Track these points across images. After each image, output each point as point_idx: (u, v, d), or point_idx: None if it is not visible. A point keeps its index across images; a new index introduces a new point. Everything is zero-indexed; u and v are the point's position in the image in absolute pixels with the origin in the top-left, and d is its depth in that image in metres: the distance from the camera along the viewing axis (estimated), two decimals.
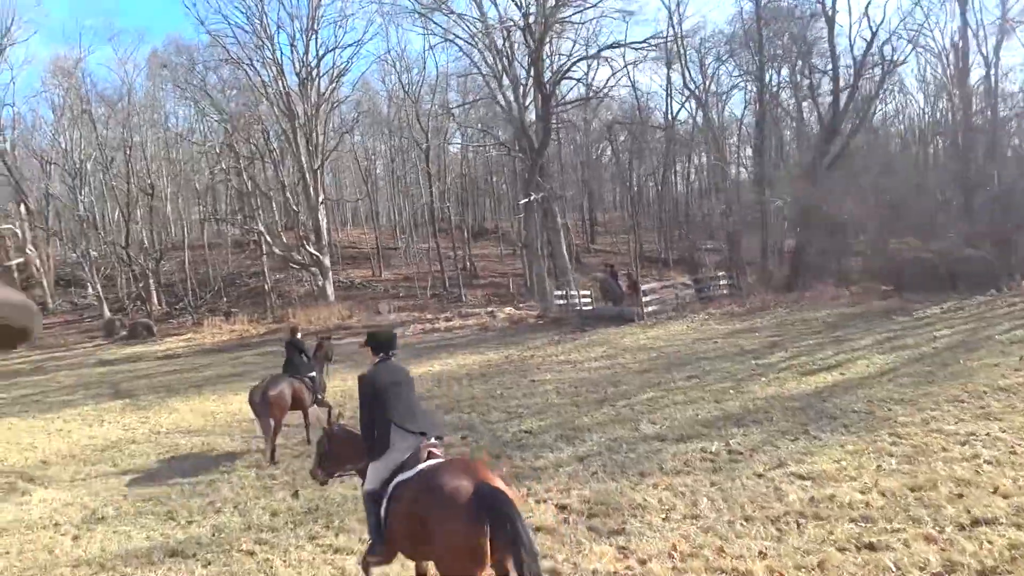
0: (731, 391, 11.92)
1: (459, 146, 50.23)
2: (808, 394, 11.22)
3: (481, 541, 3.81)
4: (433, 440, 4.74)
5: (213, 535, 7.24)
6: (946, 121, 40.50)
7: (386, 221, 58.22)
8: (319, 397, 11.57)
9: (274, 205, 34.95)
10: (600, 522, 6.58)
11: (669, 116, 45.35)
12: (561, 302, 25.22)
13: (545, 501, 7.34)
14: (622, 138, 50.05)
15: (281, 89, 31.14)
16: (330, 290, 33.23)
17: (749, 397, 11.39)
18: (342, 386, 14.39)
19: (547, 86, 28.60)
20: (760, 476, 7.50)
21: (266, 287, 38.67)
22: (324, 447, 5.42)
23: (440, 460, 4.52)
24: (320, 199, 32.67)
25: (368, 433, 4.72)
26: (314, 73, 32.13)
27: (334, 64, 33.42)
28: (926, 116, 47.83)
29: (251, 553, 6.62)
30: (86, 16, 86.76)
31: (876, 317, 18.81)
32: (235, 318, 31.99)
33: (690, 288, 25.68)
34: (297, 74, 31.94)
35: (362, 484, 4.92)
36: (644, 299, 22.60)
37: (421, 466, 4.39)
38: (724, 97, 46.52)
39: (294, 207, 32.86)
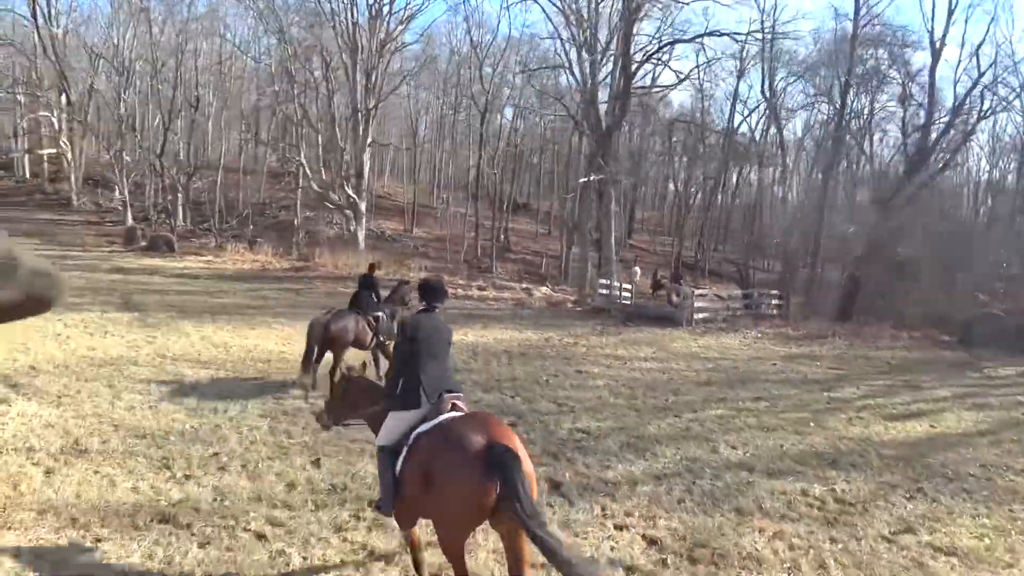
0: (811, 424, 10.47)
1: (510, 118, 48.44)
2: (902, 443, 9.82)
3: (486, 498, 3.69)
4: (457, 393, 4.58)
5: (215, 501, 5.88)
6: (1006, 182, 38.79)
7: (425, 178, 56.63)
8: (382, 340, 10.75)
9: (319, 139, 33.24)
10: (708, 572, 5.18)
11: (732, 124, 43.55)
12: (604, 292, 23.60)
13: (627, 528, 5.96)
14: (674, 138, 48.21)
15: (350, 20, 29.48)
16: (361, 236, 31.80)
17: (834, 434, 9.95)
18: None
19: (633, 64, 26.78)
20: (889, 541, 6.16)
21: (295, 222, 37.30)
22: (341, 391, 5.30)
23: (460, 413, 4.36)
24: (368, 140, 31.11)
25: (394, 381, 4.56)
26: (385, 10, 30.42)
27: (407, 4, 31.73)
28: (985, 173, 45.94)
29: (261, 536, 5.25)
30: None
31: (944, 367, 17.27)
32: (259, 248, 30.65)
33: (739, 302, 24.04)
34: (369, 7, 30.25)
35: (375, 438, 4.67)
36: (695, 306, 21.10)
37: (441, 418, 4.23)
38: (790, 115, 44.38)
39: (341, 144, 31.23)
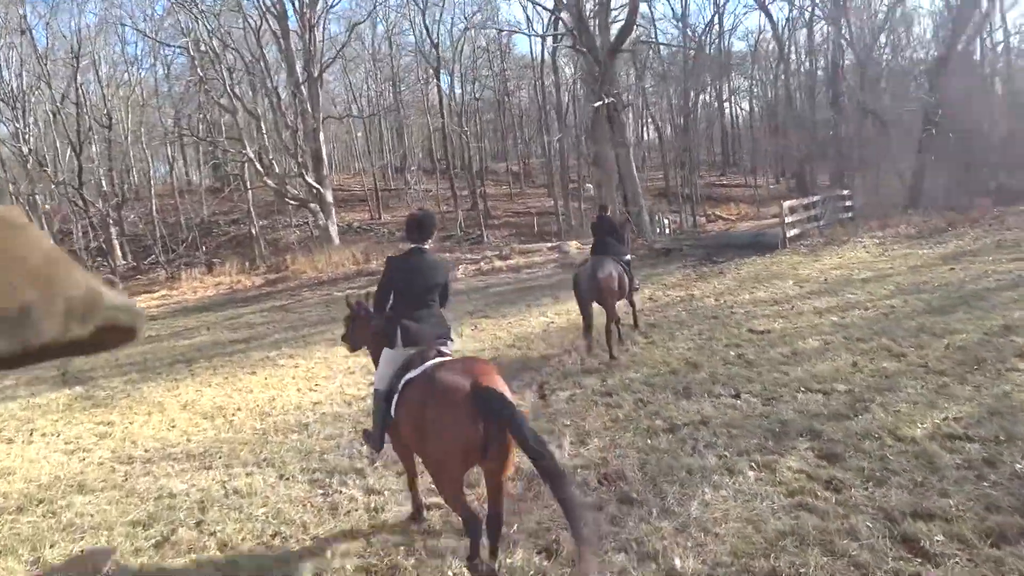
0: None
1: (458, 78, 43.22)
2: None
3: (472, 439, 3.62)
4: (441, 338, 4.40)
5: None
6: None
7: (377, 161, 51.42)
8: (637, 286, 10.23)
9: (263, 128, 27.57)
10: None
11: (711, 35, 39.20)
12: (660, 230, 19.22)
13: None
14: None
15: None
16: (334, 231, 26.95)
17: None
18: None
19: None
20: None
21: (253, 232, 32.16)
22: (349, 323, 5.43)
23: (445, 358, 4.20)
24: (320, 116, 26.03)
25: (377, 320, 4.66)
26: None
27: None
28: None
29: None
30: None
31: None
32: (220, 270, 25.56)
33: (816, 209, 19.75)
34: None
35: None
36: (787, 221, 16.84)
37: (427, 363, 4.07)
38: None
39: (289, 124, 25.96)
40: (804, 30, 38.51)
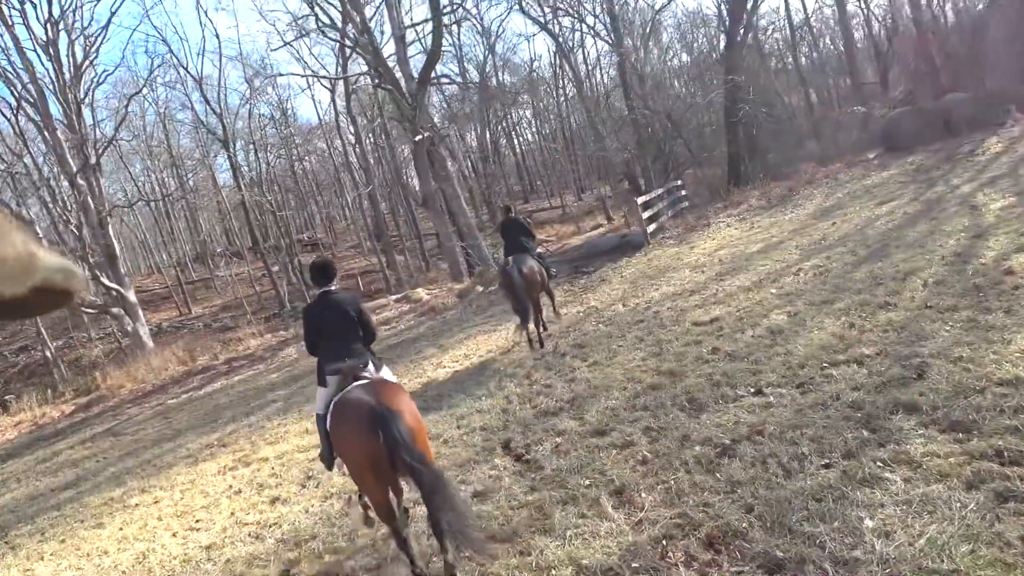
0: None
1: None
2: None
3: (373, 453, 3.83)
4: (360, 364, 4.58)
5: None
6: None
7: (174, 253, 47.01)
8: (554, 273, 10.77)
9: (38, 230, 23.40)
10: None
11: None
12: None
13: None
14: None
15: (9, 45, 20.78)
16: (145, 333, 23.51)
17: None
18: None
19: None
20: None
21: (48, 355, 27.61)
22: None
23: (362, 382, 4.36)
24: (106, 206, 22.67)
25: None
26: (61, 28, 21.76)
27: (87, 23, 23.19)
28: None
29: None
30: None
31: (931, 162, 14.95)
32: (15, 406, 21.31)
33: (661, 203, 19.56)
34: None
35: None
36: (644, 216, 16.31)
37: (347, 388, 4.30)
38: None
39: (71, 221, 22.21)
40: (582, 48, 39.78)
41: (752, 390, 5.47)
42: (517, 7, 31.04)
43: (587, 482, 4.62)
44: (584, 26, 36.16)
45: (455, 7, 21.12)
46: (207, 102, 30.32)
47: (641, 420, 5.49)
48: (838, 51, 37.44)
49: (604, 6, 31.15)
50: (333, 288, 4.85)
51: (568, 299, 12.45)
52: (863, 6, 31.26)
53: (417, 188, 24.08)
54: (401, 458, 3.68)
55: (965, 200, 10.58)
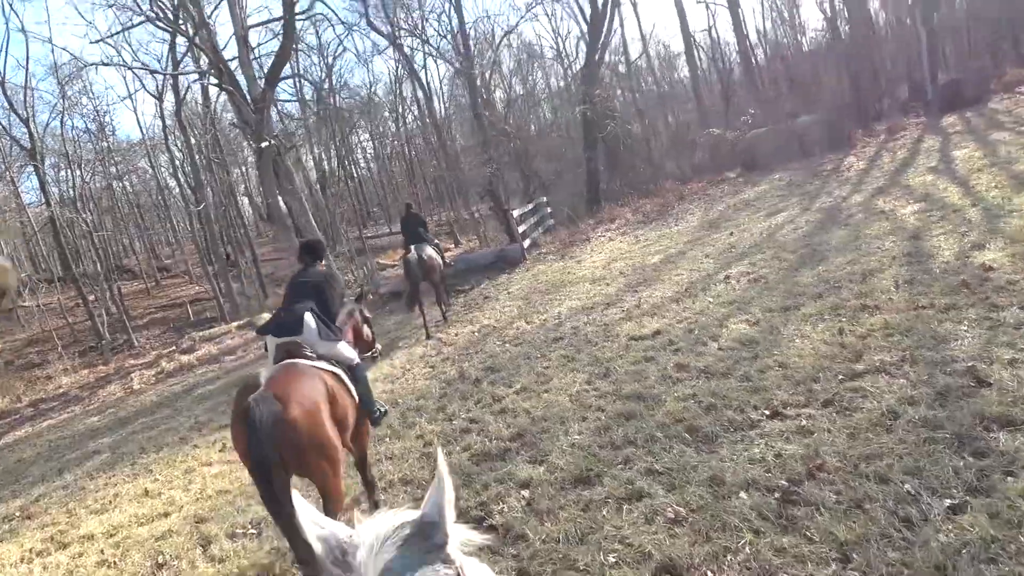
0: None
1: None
2: None
3: (239, 444, 3.55)
4: (287, 339, 4.26)
5: None
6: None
7: None
8: (450, 263, 12.84)
9: None
10: None
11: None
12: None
13: None
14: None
15: None
16: None
17: None
18: None
19: None
20: None
21: None
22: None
23: (280, 364, 3.99)
24: None
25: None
26: None
27: None
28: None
29: None
30: None
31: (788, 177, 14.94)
32: None
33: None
34: None
35: None
36: (519, 230, 15.23)
37: (275, 367, 3.97)
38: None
39: None
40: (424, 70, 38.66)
41: (766, 412, 4.31)
42: (365, 21, 29.53)
43: (610, 559, 3.19)
44: (427, 47, 35.22)
45: (311, 4, 19.24)
46: (11, 107, 26.09)
47: (634, 460, 4.17)
48: (683, 77, 39.04)
49: (453, 27, 30.47)
50: (314, 267, 4.89)
51: (453, 318, 10.99)
52: (710, 36, 32.38)
53: (260, 202, 21.68)
54: (251, 443, 3.32)
55: (867, 208, 10.24)
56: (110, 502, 6.50)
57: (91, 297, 31.24)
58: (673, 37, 68.46)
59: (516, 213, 15.79)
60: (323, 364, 4.10)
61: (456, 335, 9.58)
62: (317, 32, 34.90)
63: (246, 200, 44.71)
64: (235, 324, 18.39)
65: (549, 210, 20.67)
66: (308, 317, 4.27)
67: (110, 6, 19.42)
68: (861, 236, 8.43)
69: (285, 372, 3.78)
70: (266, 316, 19.07)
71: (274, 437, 3.32)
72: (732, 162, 20.61)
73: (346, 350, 4.45)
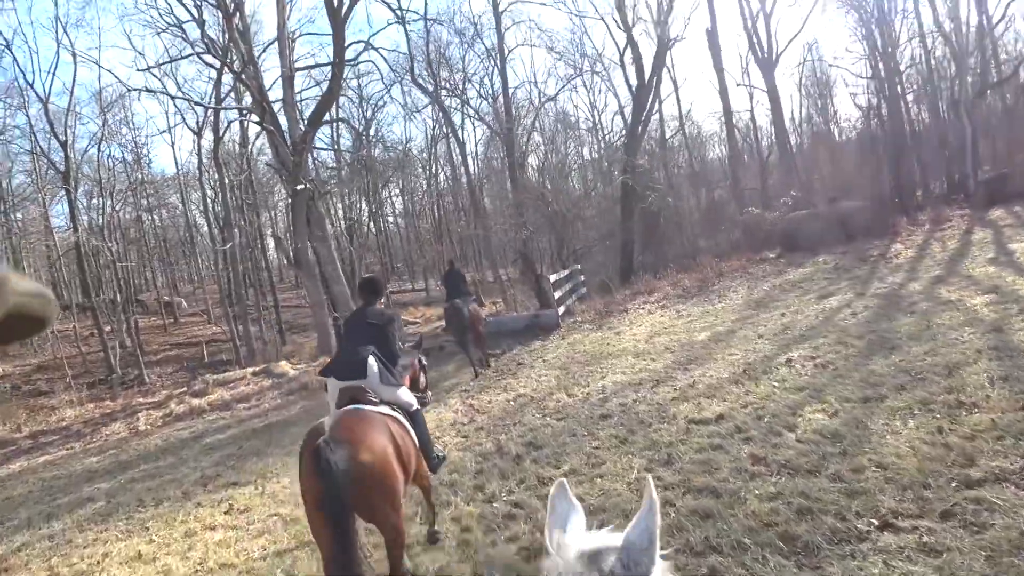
0: None
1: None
2: None
3: (310, 490, 3.49)
4: (351, 383, 4.31)
5: None
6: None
7: None
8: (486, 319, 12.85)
9: None
10: None
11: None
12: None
13: None
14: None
15: None
16: None
17: None
18: None
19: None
20: None
21: None
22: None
23: (347, 408, 4.04)
24: None
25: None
26: None
27: None
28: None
29: None
30: None
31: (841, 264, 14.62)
32: None
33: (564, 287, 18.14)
34: None
35: None
36: (556, 297, 14.79)
37: (339, 412, 4.03)
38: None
39: None
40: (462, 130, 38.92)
41: (875, 522, 3.70)
42: (409, 77, 29.79)
43: None
44: (467, 107, 35.50)
45: (359, 53, 19.28)
46: (52, 129, 26.21)
47: (723, 572, 3.53)
48: (716, 156, 39.17)
49: (494, 90, 30.77)
50: (373, 306, 4.88)
51: (484, 383, 10.41)
52: (751, 119, 32.36)
53: (288, 246, 21.40)
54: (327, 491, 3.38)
55: (930, 296, 9.68)
56: (98, 563, 5.85)
57: (107, 328, 31.01)
58: (706, 119, 69.11)
59: (552, 278, 15.33)
60: (386, 409, 4.15)
61: (490, 402, 8.98)
62: (359, 84, 35.43)
63: (272, 243, 44.76)
64: (250, 370, 17.84)
65: (583, 278, 20.21)
66: (372, 361, 4.34)
67: (159, 33, 19.56)
68: (933, 326, 7.84)
69: (353, 417, 3.83)
70: (284, 364, 18.71)
71: (348, 481, 3.37)
72: (770, 242, 20.21)
73: (406, 395, 4.55)
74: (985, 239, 14.42)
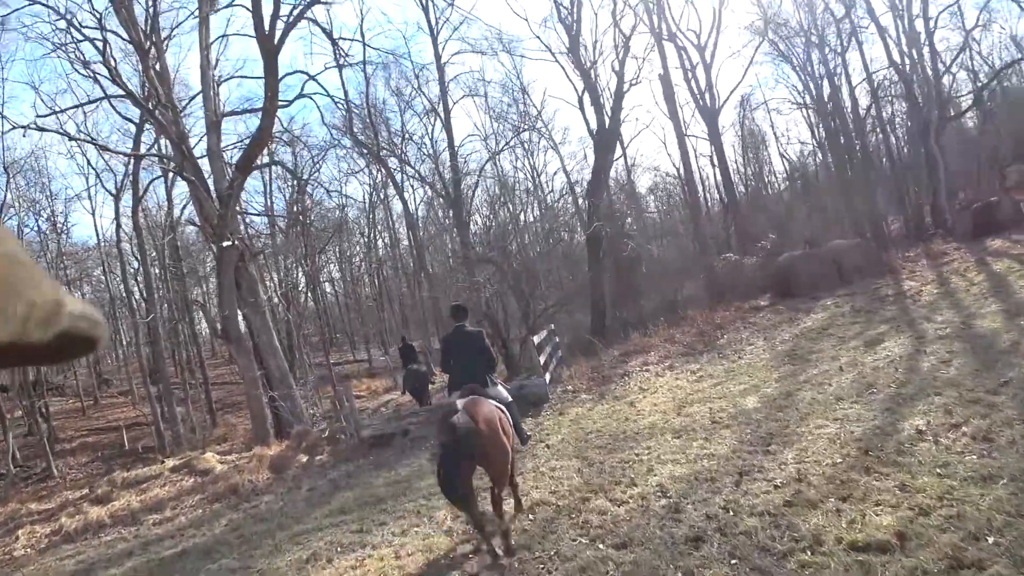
0: None
1: None
2: None
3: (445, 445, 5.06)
4: (479, 385, 5.86)
5: None
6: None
7: None
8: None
9: None
10: None
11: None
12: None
13: None
14: None
15: None
16: None
17: None
18: None
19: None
20: None
21: None
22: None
23: (469, 398, 5.34)
24: None
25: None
26: None
27: None
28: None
29: None
30: None
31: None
32: None
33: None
34: None
35: None
36: (540, 360, 12.55)
37: (459, 401, 5.25)
38: None
39: None
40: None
41: None
42: (349, 134, 27.76)
43: None
44: (410, 168, 33.51)
45: (300, 88, 17.05)
46: None
47: None
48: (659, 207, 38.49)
49: (436, 150, 29.18)
50: (466, 325, 6.69)
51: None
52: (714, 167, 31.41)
53: (216, 315, 18.71)
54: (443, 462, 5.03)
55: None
56: None
57: (18, 413, 27.56)
58: (642, 173, 68.64)
59: (537, 339, 13.12)
60: (493, 401, 5.60)
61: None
62: (294, 149, 33.11)
63: (202, 316, 41.52)
64: (169, 464, 14.74)
65: (557, 339, 18.01)
66: (480, 371, 6.28)
67: (67, 75, 17.13)
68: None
69: (474, 402, 5.25)
70: (209, 457, 15.70)
71: (469, 439, 4.85)
72: (754, 288, 18.54)
73: (503, 392, 6.23)
74: (1012, 268, 13.05)
